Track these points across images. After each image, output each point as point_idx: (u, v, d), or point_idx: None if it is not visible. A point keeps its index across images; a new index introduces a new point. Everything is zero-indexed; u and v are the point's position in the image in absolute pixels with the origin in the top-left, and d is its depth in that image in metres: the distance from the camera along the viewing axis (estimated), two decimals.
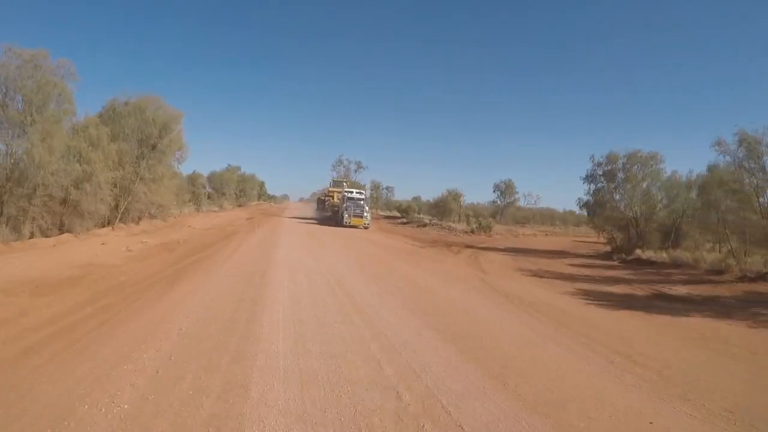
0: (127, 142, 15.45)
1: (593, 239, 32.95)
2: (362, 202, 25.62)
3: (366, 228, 24.86)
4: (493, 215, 46.83)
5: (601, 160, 20.69)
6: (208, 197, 50.29)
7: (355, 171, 55.91)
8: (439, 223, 33.59)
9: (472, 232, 27.32)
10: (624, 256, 18.73)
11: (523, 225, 45.90)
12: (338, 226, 24.82)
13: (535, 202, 54.65)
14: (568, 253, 21.18)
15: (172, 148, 16.46)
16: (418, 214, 40.88)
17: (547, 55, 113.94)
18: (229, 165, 54.46)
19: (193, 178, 44.29)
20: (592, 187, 20.97)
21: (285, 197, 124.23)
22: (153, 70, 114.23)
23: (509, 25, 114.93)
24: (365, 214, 24.98)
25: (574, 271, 13.73)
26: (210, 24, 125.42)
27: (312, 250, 13.57)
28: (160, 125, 16.00)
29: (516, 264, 14.42)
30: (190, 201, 38.08)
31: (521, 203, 52.03)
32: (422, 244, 19.16)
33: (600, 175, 20.81)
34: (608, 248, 21.80)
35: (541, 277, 11.81)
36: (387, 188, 61.42)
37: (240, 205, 53.37)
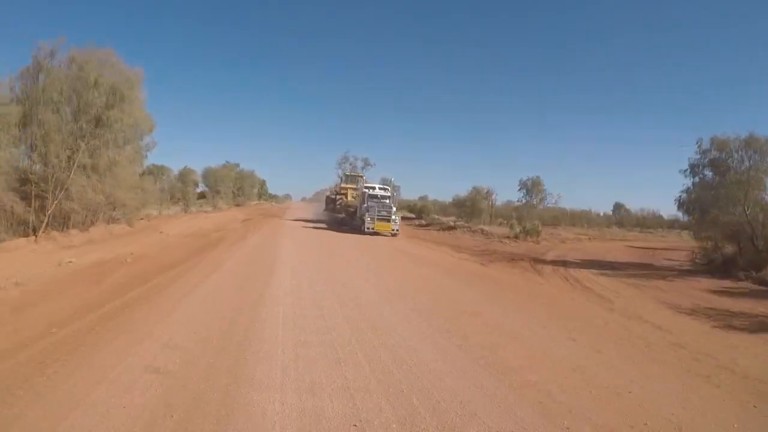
0: (57, 113, 10.41)
1: (646, 243, 27.88)
2: (388, 201, 20.00)
3: (394, 235, 19.29)
4: (518, 216, 41.80)
5: (707, 146, 15.53)
6: (202, 196, 45.37)
7: (362, 168, 50.91)
8: (467, 225, 28.51)
9: (516, 237, 22.19)
10: (753, 273, 13.58)
11: (554, 226, 40.80)
12: (355, 233, 19.72)
13: (556, 201, 49.71)
14: (655, 267, 16.03)
15: (125, 123, 11.41)
16: (433, 214, 36.01)
17: (547, 55, 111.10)
18: (226, 162, 49.54)
19: (184, 174, 39.39)
20: (695, 180, 15.79)
21: (287, 197, 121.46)
22: (153, 70, 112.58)
23: (510, 25, 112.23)
24: (393, 216, 19.17)
25: (744, 306, 8.61)
26: (210, 24, 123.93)
27: (333, 283, 8.43)
28: (107, 90, 10.98)
29: (648, 294, 9.31)
30: (179, 200, 33.20)
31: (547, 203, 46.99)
32: (475, 257, 14.10)
33: (705, 166, 15.66)
34: (702, 260, 16.53)
35: (745, 330, 6.68)
36: (395, 187, 56.47)
37: (238, 205, 48.36)
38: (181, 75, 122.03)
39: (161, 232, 15.31)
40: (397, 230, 19.58)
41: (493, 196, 31.04)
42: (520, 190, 43.60)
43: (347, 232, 20.20)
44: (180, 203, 33.74)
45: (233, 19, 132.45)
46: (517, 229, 22.53)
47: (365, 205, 19.76)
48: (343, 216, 24.21)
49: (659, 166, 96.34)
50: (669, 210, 58.04)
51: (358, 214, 20.98)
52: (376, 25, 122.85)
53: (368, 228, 18.88)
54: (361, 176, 27.09)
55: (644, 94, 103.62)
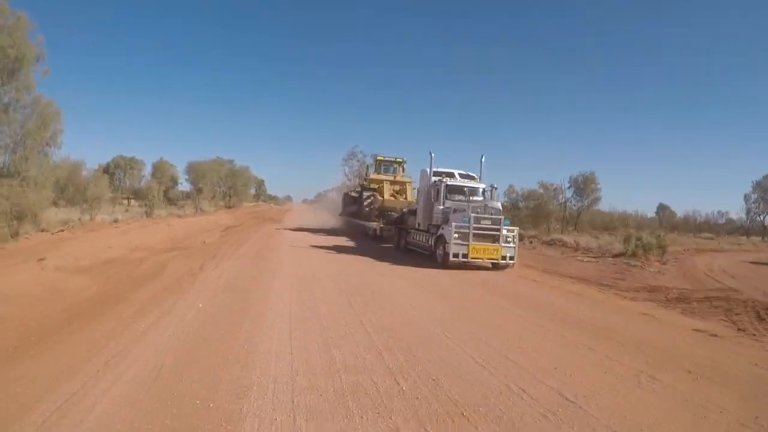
0: None
1: (755, 256, 20.32)
2: (479, 198, 11.14)
3: (499, 266, 10.25)
4: (563, 220, 34.26)
5: None
6: (187, 196, 37.74)
7: (367, 168, 43.18)
8: (534, 235, 20.94)
9: (634, 255, 14.63)
10: None
11: (611, 233, 33.08)
12: (410, 260, 11.12)
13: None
14: None
15: None
16: None
17: (546, 54, 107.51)
18: (217, 157, 41.88)
19: (158, 168, 31.84)
20: None
21: (288, 198, 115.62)
22: (158, 71, 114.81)
23: (508, 25, 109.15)
24: (505, 231, 9.98)
25: None
26: (209, 25, 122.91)
27: None
28: None
29: None
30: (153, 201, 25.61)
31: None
32: (701, 319, 6.51)
33: None
34: None
35: None
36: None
37: (230, 207, 40.77)
38: (182, 76, 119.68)
39: (41, 260, 7.78)
40: (512, 258, 10.14)
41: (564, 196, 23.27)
42: (569, 188, 36.11)
43: (397, 260, 11.07)
44: (159, 204, 26.29)
45: (233, 20, 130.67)
46: (633, 244, 14.94)
47: (441, 206, 10.72)
48: (378, 226, 15.33)
49: (655, 166, 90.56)
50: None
51: (420, 225, 11.84)
52: (378, 25, 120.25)
53: (454, 255, 9.64)
54: (402, 161, 18.30)
55: (641, 91, 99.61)
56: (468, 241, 9.70)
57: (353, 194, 18.71)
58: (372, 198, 16.28)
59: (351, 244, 15.08)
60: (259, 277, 7.48)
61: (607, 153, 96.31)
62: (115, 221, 16.57)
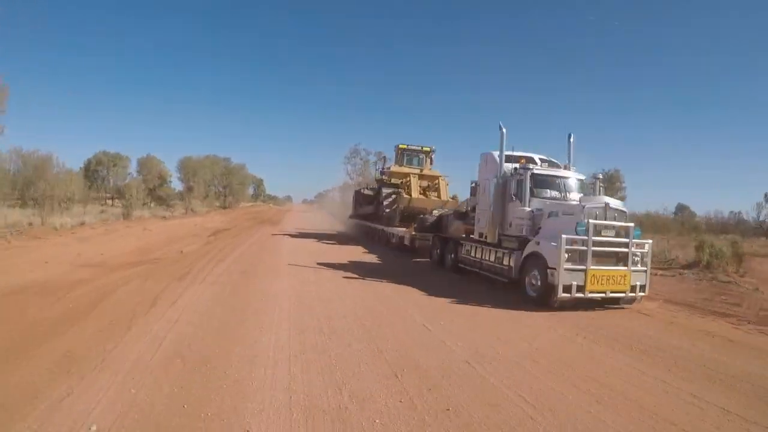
0: None
1: None
2: (577, 195, 7.34)
3: (628, 301, 6.43)
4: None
5: None
6: (181, 197, 35.10)
7: (375, 164, 39.99)
8: None
9: (708, 266, 12.03)
10: None
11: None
12: (471, 288, 7.49)
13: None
14: None
15: None
16: None
17: (546, 54, 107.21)
18: (210, 154, 39.03)
19: (144, 165, 29.14)
20: None
21: (287, 198, 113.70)
22: (157, 70, 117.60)
23: (508, 25, 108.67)
24: (633, 248, 6.11)
25: None
26: (209, 23, 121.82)
27: None
28: None
29: None
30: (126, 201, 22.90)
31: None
32: None
33: None
34: None
35: None
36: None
37: (225, 207, 38.14)
38: (181, 75, 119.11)
39: None
40: (643, 288, 6.33)
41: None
42: (592, 184, 33.47)
43: (456, 292, 7.01)
44: (141, 204, 23.68)
45: (232, 20, 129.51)
46: (708, 253, 12.31)
47: (528, 207, 7.12)
48: (409, 234, 11.65)
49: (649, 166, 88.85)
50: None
51: (484, 235, 7.89)
52: (377, 25, 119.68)
53: (565, 287, 5.78)
54: (430, 150, 14.82)
55: (639, 91, 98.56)
56: (585, 264, 5.89)
57: (367, 192, 15.59)
58: (395, 196, 12.96)
59: (372, 258, 11.48)
60: (238, 326, 4.69)
61: (607, 153, 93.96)
62: (81, 224, 13.94)
